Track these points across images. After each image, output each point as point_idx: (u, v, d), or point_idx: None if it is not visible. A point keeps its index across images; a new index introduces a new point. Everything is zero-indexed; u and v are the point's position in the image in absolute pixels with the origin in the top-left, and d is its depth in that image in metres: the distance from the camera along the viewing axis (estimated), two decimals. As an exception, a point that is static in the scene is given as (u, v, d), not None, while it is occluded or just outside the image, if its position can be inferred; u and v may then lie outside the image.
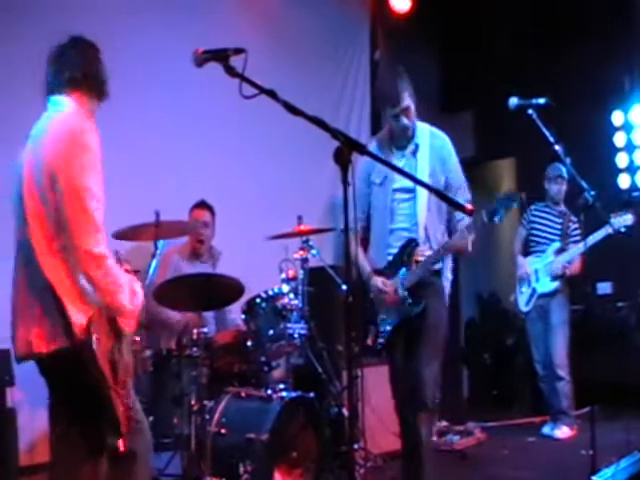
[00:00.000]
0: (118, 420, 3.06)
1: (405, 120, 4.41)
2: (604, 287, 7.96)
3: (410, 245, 4.36)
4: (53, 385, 3.19)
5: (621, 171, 8.37)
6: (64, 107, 3.25)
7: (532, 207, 7.32)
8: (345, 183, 2.69)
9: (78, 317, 2.98)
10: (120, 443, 3.27)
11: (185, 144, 6.19)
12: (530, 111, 4.38)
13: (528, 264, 7.26)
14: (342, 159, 2.70)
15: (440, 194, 2.88)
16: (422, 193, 4.35)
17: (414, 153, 4.47)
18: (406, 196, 4.41)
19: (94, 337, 2.98)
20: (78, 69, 3.31)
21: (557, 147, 4.42)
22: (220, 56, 2.89)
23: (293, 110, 2.78)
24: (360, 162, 4.43)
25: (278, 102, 2.79)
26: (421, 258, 4.31)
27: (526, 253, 7.37)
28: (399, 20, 8.32)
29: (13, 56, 5.33)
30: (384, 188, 4.44)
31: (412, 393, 4.21)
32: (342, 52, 8.07)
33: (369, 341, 4.40)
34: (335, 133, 2.82)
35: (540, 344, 7.26)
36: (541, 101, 4.37)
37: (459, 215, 4.41)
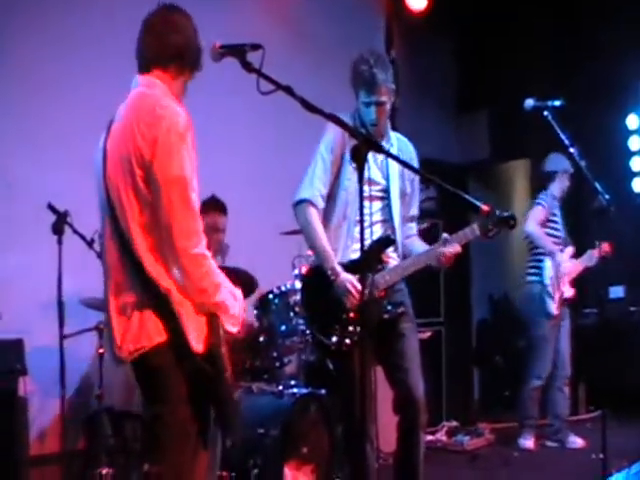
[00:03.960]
0: (234, 417, 3.00)
1: (374, 114, 4.06)
2: (617, 291, 7.93)
3: (385, 242, 4.09)
4: (163, 379, 2.93)
5: (635, 175, 8.34)
6: (148, 87, 3.03)
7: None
8: (361, 181, 2.70)
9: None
10: (228, 440, 3.28)
11: (196, 137, 6.20)
12: (546, 113, 4.34)
13: (565, 265, 6.80)
14: (359, 157, 2.70)
15: (455, 193, 2.83)
16: (395, 197, 4.15)
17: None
18: (379, 194, 4.14)
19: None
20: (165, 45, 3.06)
21: (572, 149, 4.39)
22: (237, 51, 2.90)
23: (310, 107, 2.79)
24: (333, 132, 4.08)
25: (295, 98, 2.80)
26: (391, 260, 4.12)
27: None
28: (415, 19, 8.29)
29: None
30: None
31: (405, 400, 4.00)
32: (356, 50, 8.06)
33: (333, 340, 3.99)
34: (352, 131, 2.85)
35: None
36: (557, 103, 4.33)
37: (410, 230, 4.30)
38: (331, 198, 4.13)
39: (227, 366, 2.89)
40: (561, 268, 6.76)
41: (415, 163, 4.26)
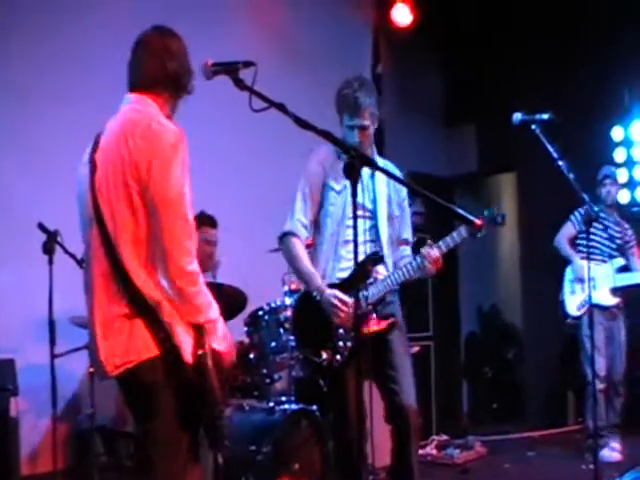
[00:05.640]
0: (223, 433, 2.97)
1: (357, 137, 4.10)
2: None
3: (374, 258, 4.07)
4: (153, 394, 2.90)
5: (621, 186, 8.37)
6: (141, 105, 3.03)
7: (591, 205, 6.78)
8: (354, 197, 2.70)
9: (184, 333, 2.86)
10: (219, 457, 3.28)
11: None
12: (534, 126, 4.37)
13: (585, 269, 6.51)
14: (352, 173, 2.71)
15: (447, 207, 2.84)
16: (382, 218, 4.19)
17: (372, 178, 4.23)
18: (367, 214, 4.17)
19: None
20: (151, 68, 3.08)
21: (560, 162, 4.42)
22: (230, 69, 2.91)
23: (303, 124, 2.80)
24: (311, 164, 4.24)
25: (288, 116, 2.81)
26: (380, 276, 4.12)
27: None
28: (402, 33, 8.33)
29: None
30: (343, 197, 4.09)
31: (397, 408, 3.97)
32: (345, 64, 8.08)
33: (325, 357, 4.00)
34: (345, 147, 2.86)
35: (601, 356, 6.65)
36: (545, 117, 4.36)
37: (405, 251, 4.31)
38: (318, 227, 4.22)
39: (214, 380, 2.87)
40: (582, 273, 6.68)
41: (403, 189, 4.32)
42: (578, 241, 6.95)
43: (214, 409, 2.90)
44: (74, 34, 5.79)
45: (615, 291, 6.80)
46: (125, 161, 2.85)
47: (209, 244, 5.42)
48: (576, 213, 6.94)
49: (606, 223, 6.91)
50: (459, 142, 9.62)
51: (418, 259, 4.02)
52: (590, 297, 6.34)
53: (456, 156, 9.59)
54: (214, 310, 2.95)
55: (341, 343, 4.00)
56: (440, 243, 4.04)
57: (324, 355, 4.01)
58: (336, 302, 3.94)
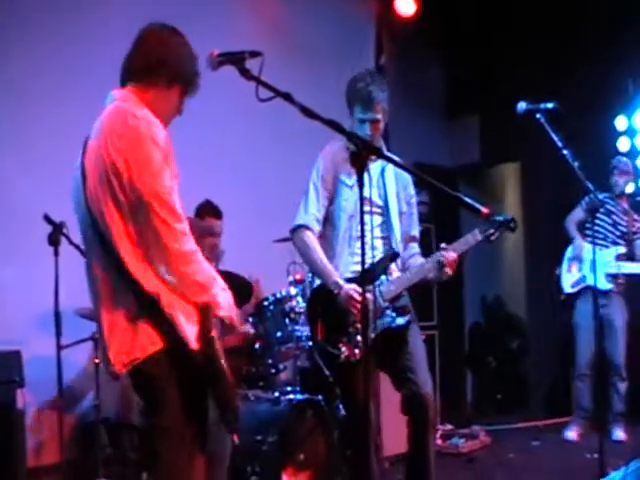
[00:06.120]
0: (237, 413, 2.95)
1: (368, 131, 4.11)
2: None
3: (391, 257, 4.14)
4: (158, 388, 2.91)
5: (632, 177, 8.34)
6: (122, 100, 3.02)
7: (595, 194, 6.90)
8: (361, 187, 2.71)
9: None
10: (235, 437, 3.29)
11: (192, 143, 6.20)
12: (538, 115, 4.36)
13: (586, 250, 6.98)
14: (359, 163, 2.71)
15: (456, 197, 2.84)
16: (394, 214, 4.22)
17: (382, 174, 4.27)
18: (378, 210, 4.21)
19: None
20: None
21: (565, 152, 4.41)
22: (236, 59, 2.89)
23: (309, 113, 2.79)
24: (322, 159, 4.25)
25: (294, 105, 2.80)
26: (395, 273, 4.16)
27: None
28: (404, 24, 8.30)
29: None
30: (355, 192, 3.95)
31: (414, 398, 3.97)
32: (348, 57, 8.07)
33: (345, 352, 4.00)
34: (351, 137, 2.85)
35: (592, 342, 6.76)
36: (549, 106, 4.35)
37: (413, 249, 4.34)
38: (330, 221, 4.21)
39: (224, 362, 2.86)
40: (581, 253, 7.06)
41: (411, 184, 4.35)
42: (586, 225, 7.05)
43: (229, 391, 2.89)
44: (74, 34, 5.78)
45: (610, 277, 6.92)
46: (105, 160, 2.86)
47: (213, 235, 5.42)
48: (587, 198, 6.82)
49: (611, 209, 7.05)
50: (462, 133, 9.62)
51: (436, 261, 4.01)
52: (585, 277, 6.83)
53: (459, 147, 9.58)
54: (217, 284, 2.94)
55: (359, 337, 3.98)
56: (455, 245, 4.07)
57: (343, 349, 4.01)
58: (356, 295, 3.91)
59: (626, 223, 7.05)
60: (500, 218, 4.08)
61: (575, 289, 7.09)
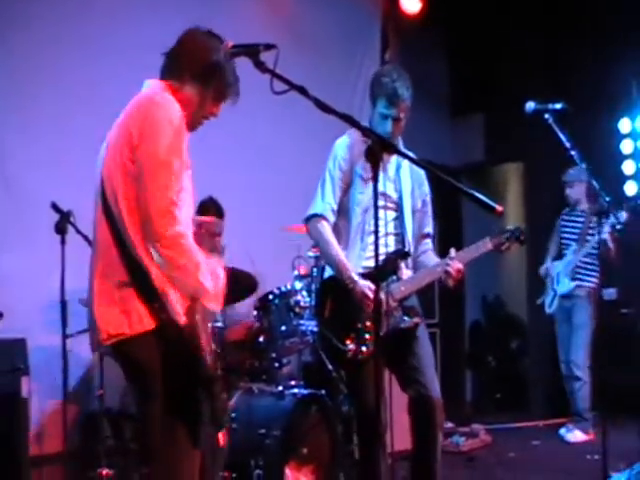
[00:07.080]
0: (221, 411, 2.97)
1: (390, 128, 4.06)
2: (610, 293, 7.95)
3: (401, 254, 4.10)
4: (149, 373, 2.91)
5: (628, 178, 8.37)
6: (156, 87, 3.06)
7: (562, 212, 7.50)
8: (375, 180, 2.71)
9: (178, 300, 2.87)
10: (220, 436, 3.25)
11: (197, 138, 6.22)
12: (547, 116, 4.36)
13: (553, 268, 7.42)
14: (373, 157, 2.70)
15: (470, 194, 2.85)
16: (407, 210, 4.19)
17: (397, 171, 4.23)
18: (392, 206, 4.17)
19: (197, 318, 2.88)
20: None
21: (573, 152, 4.41)
22: (251, 51, 2.89)
23: (324, 107, 2.79)
24: (339, 149, 4.19)
25: (309, 98, 2.80)
26: (404, 272, 4.13)
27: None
28: (409, 21, 8.31)
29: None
30: (370, 187, 3.92)
31: (421, 399, 4.00)
32: (354, 52, 8.09)
33: (351, 348, 3.97)
34: (366, 131, 2.86)
35: (564, 345, 7.35)
36: (558, 106, 4.35)
37: (425, 246, 4.32)
38: (344, 213, 4.17)
39: (205, 352, 2.87)
40: (551, 272, 7.52)
41: (426, 183, 4.33)
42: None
43: (211, 384, 2.89)
44: (78, 22, 5.77)
45: (573, 278, 7.26)
46: (122, 130, 2.91)
47: (213, 235, 5.38)
48: (557, 221, 7.58)
49: (569, 219, 7.46)
50: (466, 131, 9.62)
51: (443, 271, 3.98)
52: (555, 291, 7.28)
53: (462, 145, 9.59)
54: (203, 272, 2.88)
55: (367, 335, 3.96)
56: (463, 255, 4.02)
57: (349, 345, 3.99)
58: (370, 293, 3.88)
59: (581, 226, 7.30)
60: (511, 227, 4.08)
61: (553, 307, 7.44)
